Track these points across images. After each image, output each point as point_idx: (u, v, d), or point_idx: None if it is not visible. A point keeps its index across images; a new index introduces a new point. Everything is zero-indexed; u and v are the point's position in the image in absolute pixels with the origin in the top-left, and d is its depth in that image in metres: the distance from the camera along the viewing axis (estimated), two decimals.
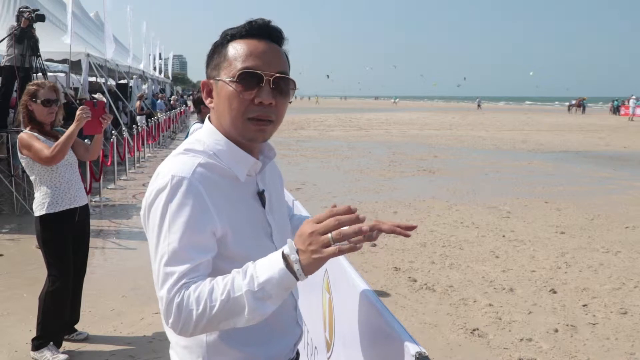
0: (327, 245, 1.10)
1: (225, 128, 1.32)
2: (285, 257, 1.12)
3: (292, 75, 1.34)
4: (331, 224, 1.10)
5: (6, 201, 7.94)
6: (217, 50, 1.33)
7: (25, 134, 3.49)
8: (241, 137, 1.30)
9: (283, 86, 1.29)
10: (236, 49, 1.29)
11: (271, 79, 1.27)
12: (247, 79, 1.26)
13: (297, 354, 1.52)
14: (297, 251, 1.12)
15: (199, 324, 1.15)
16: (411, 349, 1.23)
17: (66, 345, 3.70)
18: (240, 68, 1.26)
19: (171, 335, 1.38)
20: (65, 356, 3.49)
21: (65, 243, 3.52)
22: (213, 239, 1.23)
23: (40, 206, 3.46)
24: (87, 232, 3.79)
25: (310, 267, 1.12)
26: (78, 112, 3.49)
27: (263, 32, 1.30)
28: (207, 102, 1.36)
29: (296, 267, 1.11)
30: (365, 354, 1.59)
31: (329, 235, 1.10)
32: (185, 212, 1.20)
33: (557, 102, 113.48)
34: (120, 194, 9.29)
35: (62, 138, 3.43)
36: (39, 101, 3.52)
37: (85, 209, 3.69)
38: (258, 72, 1.26)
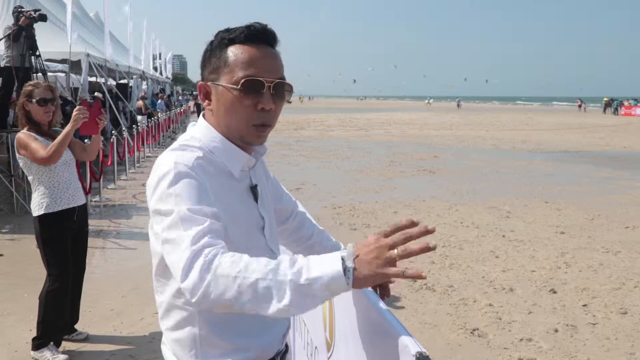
0: (393, 263, 1.06)
1: (224, 129, 1.35)
2: (342, 260, 1.06)
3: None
4: (399, 239, 1.07)
5: (6, 201, 7.93)
6: (215, 53, 1.34)
7: (23, 134, 3.48)
8: (241, 140, 1.34)
9: (282, 91, 1.33)
10: (237, 55, 1.31)
11: (272, 85, 1.30)
12: (250, 86, 1.29)
13: (286, 346, 1.54)
14: (354, 260, 1.06)
15: (224, 294, 1.06)
16: (411, 348, 1.23)
17: (66, 345, 3.70)
18: (243, 76, 1.29)
19: (164, 329, 1.40)
20: (65, 356, 3.49)
21: (65, 242, 3.52)
22: (218, 216, 1.21)
23: (38, 206, 3.45)
24: (85, 231, 3.79)
25: (364, 281, 1.06)
26: (75, 113, 3.48)
27: (261, 37, 1.33)
28: (204, 104, 1.37)
29: (347, 274, 1.05)
30: (366, 353, 1.59)
31: (396, 251, 1.06)
32: (191, 189, 1.21)
33: (519, 102, 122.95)
34: (120, 194, 9.29)
35: (58, 138, 3.42)
36: (34, 101, 3.51)
37: (83, 209, 3.68)
38: (260, 79, 1.29)
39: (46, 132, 3.58)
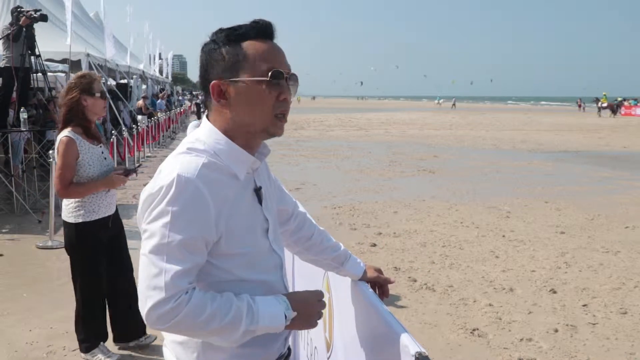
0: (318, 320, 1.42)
1: (242, 126, 1.34)
2: (285, 317, 1.33)
3: (300, 75, 1.41)
4: (325, 305, 1.44)
5: (6, 201, 7.93)
6: (225, 50, 1.32)
7: (67, 139, 3.23)
8: (265, 133, 1.35)
9: (295, 83, 1.37)
10: (255, 50, 1.32)
11: (288, 76, 1.34)
12: (275, 77, 1.32)
13: (289, 349, 1.54)
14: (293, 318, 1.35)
15: (181, 331, 1.27)
16: (411, 349, 1.23)
17: (67, 345, 3.69)
18: (269, 68, 1.31)
19: (167, 333, 1.39)
20: (117, 356, 3.49)
21: (95, 251, 3.40)
22: (205, 247, 1.27)
23: (74, 213, 3.29)
24: (121, 229, 3.60)
25: (294, 327, 1.39)
26: (114, 177, 3.31)
27: (268, 33, 1.35)
28: (219, 103, 1.34)
29: (287, 322, 1.34)
30: (365, 354, 1.59)
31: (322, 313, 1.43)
32: (188, 214, 1.23)
33: (509, 102, 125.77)
34: (120, 194, 9.25)
35: (85, 187, 3.24)
36: (97, 94, 3.29)
37: (116, 213, 3.53)
38: (281, 70, 1.33)
39: (92, 132, 3.37)
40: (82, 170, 3.27)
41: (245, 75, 1.31)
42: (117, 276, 3.57)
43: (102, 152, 3.42)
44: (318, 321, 1.42)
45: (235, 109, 1.33)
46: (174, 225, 1.22)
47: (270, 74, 1.30)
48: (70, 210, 3.31)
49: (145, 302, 1.22)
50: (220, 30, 1.35)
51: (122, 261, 3.59)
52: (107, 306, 3.61)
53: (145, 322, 1.25)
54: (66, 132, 3.26)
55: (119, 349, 3.68)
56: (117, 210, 3.55)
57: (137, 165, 3.66)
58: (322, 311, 1.42)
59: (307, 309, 1.37)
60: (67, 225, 3.35)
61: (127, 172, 3.43)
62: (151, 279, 1.22)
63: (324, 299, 1.42)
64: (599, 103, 44.83)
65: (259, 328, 1.29)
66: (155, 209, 1.24)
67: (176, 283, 1.21)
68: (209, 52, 1.34)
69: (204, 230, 1.25)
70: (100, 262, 3.44)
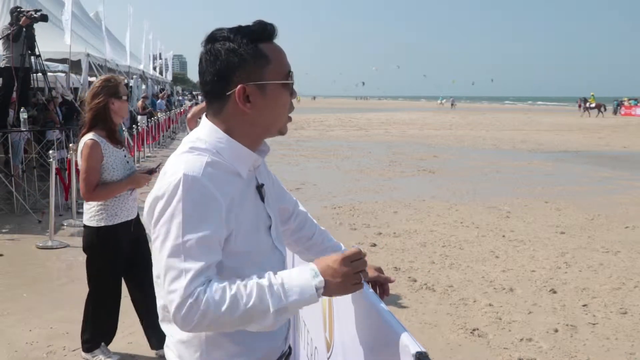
0: (359, 285, 1.30)
1: (262, 128, 1.36)
2: (315, 287, 1.24)
3: (300, 74, 1.41)
4: (361, 264, 1.29)
5: (6, 201, 7.93)
6: (249, 52, 1.30)
7: (91, 142, 3.19)
8: (278, 132, 1.39)
9: None
10: (274, 51, 1.34)
11: None
12: (292, 79, 1.36)
13: (290, 348, 1.55)
14: (325, 281, 1.25)
15: (211, 324, 1.21)
16: (411, 348, 1.23)
17: (67, 345, 3.69)
18: (289, 70, 1.35)
19: (169, 332, 1.39)
20: (117, 356, 3.49)
21: (121, 252, 3.38)
22: (219, 245, 1.27)
23: (96, 217, 3.26)
24: (143, 233, 3.54)
25: (332, 294, 1.28)
26: (138, 176, 3.31)
27: (274, 35, 1.36)
28: (244, 107, 1.31)
29: (319, 292, 1.24)
30: (365, 354, 1.58)
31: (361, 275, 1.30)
32: (200, 213, 1.23)
33: (507, 102, 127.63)
34: None
35: (110, 189, 3.21)
36: (124, 98, 3.31)
37: (137, 217, 3.48)
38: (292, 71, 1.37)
39: (116, 136, 3.33)
40: (106, 173, 3.24)
41: (270, 78, 1.31)
42: (142, 281, 3.50)
43: (125, 156, 3.40)
44: (363, 282, 1.33)
45: (258, 111, 1.32)
46: (187, 225, 1.21)
47: (291, 75, 1.35)
48: (92, 213, 3.29)
49: (171, 305, 1.20)
50: (236, 31, 1.31)
51: (146, 265, 3.54)
52: (139, 315, 3.60)
53: (177, 327, 1.24)
54: (90, 135, 3.24)
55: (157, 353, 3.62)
56: (138, 214, 3.50)
57: (159, 163, 3.69)
58: (366, 271, 1.33)
59: (337, 272, 1.25)
60: (88, 228, 3.32)
61: (151, 171, 3.44)
62: (170, 282, 1.20)
63: (364, 258, 1.30)
64: (587, 103, 45.41)
65: (290, 305, 1.21)
66: (166, 211, 1.23)
67: (194, 283, 1.19)
68: (227, 53, 1.29)
69: (216, 228, 1.24)
70: (119, 265, 3.43)
